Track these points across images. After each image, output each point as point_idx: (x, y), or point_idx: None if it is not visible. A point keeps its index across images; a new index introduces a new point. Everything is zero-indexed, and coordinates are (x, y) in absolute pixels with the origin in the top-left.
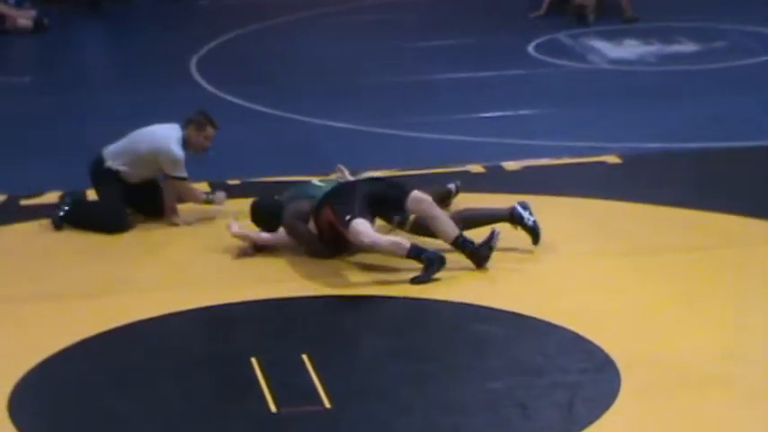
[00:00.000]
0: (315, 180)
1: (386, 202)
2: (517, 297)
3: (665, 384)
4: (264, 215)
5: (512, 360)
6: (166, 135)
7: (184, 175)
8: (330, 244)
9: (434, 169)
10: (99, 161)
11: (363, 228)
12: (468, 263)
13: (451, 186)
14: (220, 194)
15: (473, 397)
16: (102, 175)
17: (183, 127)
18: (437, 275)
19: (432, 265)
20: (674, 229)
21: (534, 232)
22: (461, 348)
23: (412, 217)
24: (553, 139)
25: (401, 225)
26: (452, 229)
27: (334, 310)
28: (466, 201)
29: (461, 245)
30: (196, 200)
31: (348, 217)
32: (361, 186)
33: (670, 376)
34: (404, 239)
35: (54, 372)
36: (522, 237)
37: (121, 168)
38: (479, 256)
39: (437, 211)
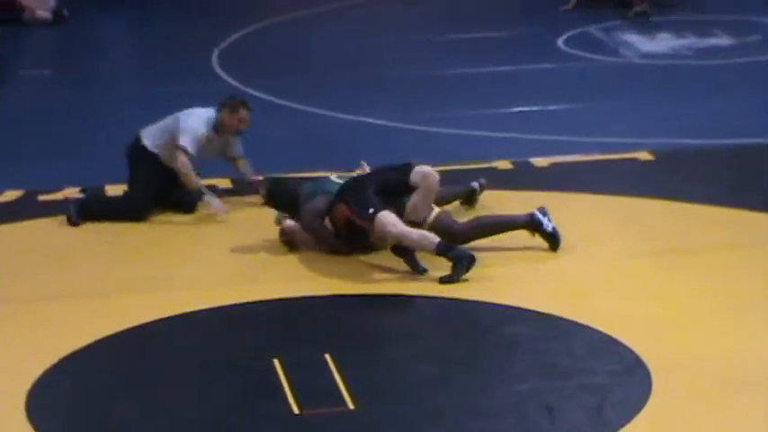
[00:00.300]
0: (333, 176)
1: (391, 183)
2: (546, 297)
3: (698, 388)
4: (284, 196)
5: (540, 362)
6: (196, 113)
7: (188, 148)
8: (347, 240)
9: (460, 165)
10: (136, 140)
11: (390, 219)
12: (497, 261)
13: (475, 185)
14: (216, 202)
15: (500, 400)
16: (136, 155)
17: (218, 110)
18: (466, 275)
19: (460, 263)
20: (708, 228)
21: (553, 239)
22: (488, 349)
23: (431, 217)
24: (583, 135)
25: (418, 228)
26: (419, 214)
27: (359, 310)
28: (492, 198)
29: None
30: (188, 183)
31: (371, 210)
32: (369, 179)
33: (703, 379)
34: (433, 234)
35: (72, 371)
36: None
37: (155, 150)
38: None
39: (431, 194)
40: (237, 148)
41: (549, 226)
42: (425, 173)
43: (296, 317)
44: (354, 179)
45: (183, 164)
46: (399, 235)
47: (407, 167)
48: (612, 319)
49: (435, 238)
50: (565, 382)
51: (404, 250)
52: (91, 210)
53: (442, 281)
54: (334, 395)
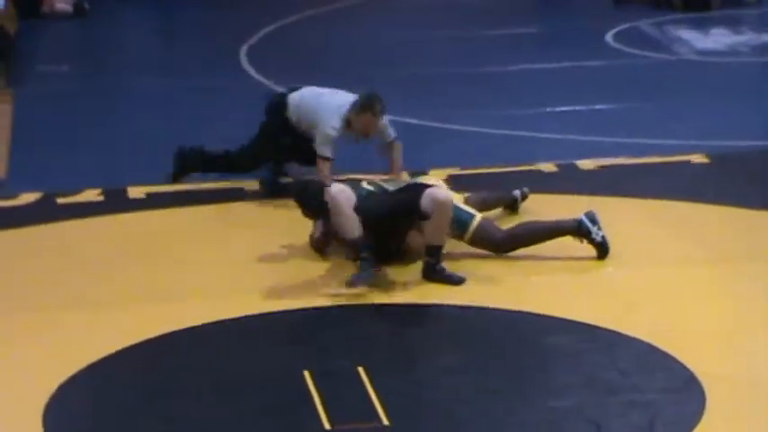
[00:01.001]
0: (364, 183)
1: (400, 207)
2: (591, 308)
3: (756, 406)
4: (314, 199)
5: (584, 376)
6: (338, 105)
7: (326, 154)
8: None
9: (501, 168)
10: (280, 106)
11: (337, 188)
12: (540, 269)
13: (517, 194)
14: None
15: (541, 416)
16: (272, 112)
17: (349, 108)
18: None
19: (363, 269)
20: (766, 235)
21: (603, 248)
22: (529, 362)
23: (472, 227)
24: (633, 137)
25: (459, 236)
26: (438, 239)
27: (393, 320)
28: (536, 202)
29: (429, 253)
30: (324, 180)
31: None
32: (380, 202)
33: (761, 397)
34: (359, 230)
35: (91, 384)
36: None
37: (291, 117)
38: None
39: (446, 216)
40: (387, 132)
41: (598, 235)
42: (436, 199)
43: (327, 327)
44: (366, 199)
45: (321, 171)
46: (333, 205)
47: (418, 189)
48: (663, 332)
49: (357, 232)
50: (611, 398)
51: (434, 273)
52: (191, 161)
53: (347, 283)
54: (367, 410)
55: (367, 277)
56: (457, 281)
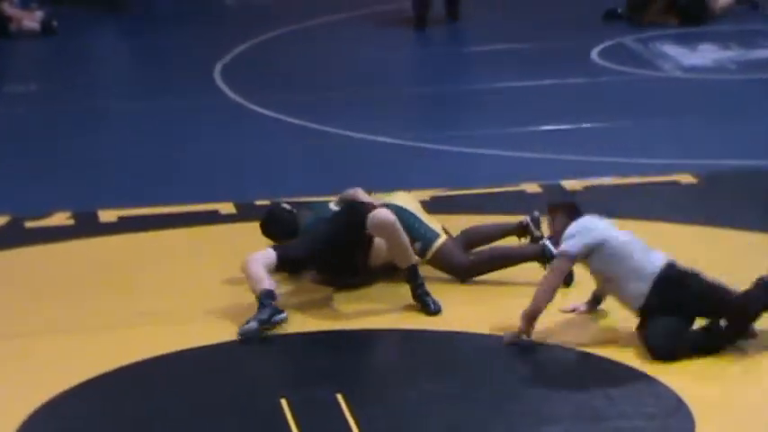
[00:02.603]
0: (332, 204)
1: (344, 231)
2: (577, 332)
3: (745, 430)
4: (280, 225)
5: (570, 403)
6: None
7: None
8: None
9: (485, 189)
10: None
11: (258, 254)
12: (520, 294)
13: (526, 220)
14: None
15: None
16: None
17: None
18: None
19: (260, 313)
20: (757, 257)
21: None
22: (514, 389)
23: (434, 247)
24: (619, 156)
25: (421, 254)
26: (409, 257)
27: (373, 346)
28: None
29: (411, 277)
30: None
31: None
32: (324, 227)
33: (750, 421)
34: (270, 282)
35: (61, 413)
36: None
37: None
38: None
39: (399, 236)
40: None
41: None
42: (379, 223)
43: (304, 354)
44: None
45: None
46: (243, 268)
47: (364, 210)
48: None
49: (265, 285)
50: (598, 426)
51: (414, 297)
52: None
53: (240, 329)
54: None
55: (255, 329)
56: (432, 311)
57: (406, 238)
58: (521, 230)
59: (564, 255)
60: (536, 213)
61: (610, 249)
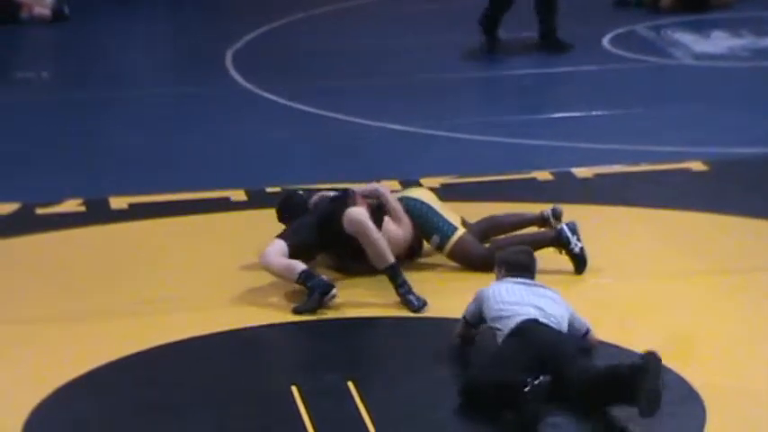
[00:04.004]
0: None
1: (328, 218)
2: (589, 320)
3: (757, 419)
4: (295, 212)
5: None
6: None
7: None
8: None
9: (496, 176)
10: None
11: (269, 249)
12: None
13: (547, 213)
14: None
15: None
16: None
17: None
18: (326, 302)
19: (312, 294)
20: (766, 245)
21: (579, 261)
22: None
23: (452, 241)
24: (630, 143)
25: (439, 248)
26: (385, 259)
27: (383, 333)
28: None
29: (390, 279)
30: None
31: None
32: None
33: (762, 410)
34: (300, 264)
35: (72, 400)
36: (592, 253)
37: None
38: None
39: (370, 236)
40: None
41: (576, 246)
42: (350, 220)
43: (315, 341)
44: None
45: None
46: (266, 265)
47: (344, 204)
48: (662, 345)
49: (298, 268)
50: (609, 414)
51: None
52: None
53: (295, 311)
54: (356, 425)
55: (310, 306)
56: (415, 308)
57: (378, 238)
58: (541, 222)
59: (464, 317)
60: (558, 207)
61: (485, 311)
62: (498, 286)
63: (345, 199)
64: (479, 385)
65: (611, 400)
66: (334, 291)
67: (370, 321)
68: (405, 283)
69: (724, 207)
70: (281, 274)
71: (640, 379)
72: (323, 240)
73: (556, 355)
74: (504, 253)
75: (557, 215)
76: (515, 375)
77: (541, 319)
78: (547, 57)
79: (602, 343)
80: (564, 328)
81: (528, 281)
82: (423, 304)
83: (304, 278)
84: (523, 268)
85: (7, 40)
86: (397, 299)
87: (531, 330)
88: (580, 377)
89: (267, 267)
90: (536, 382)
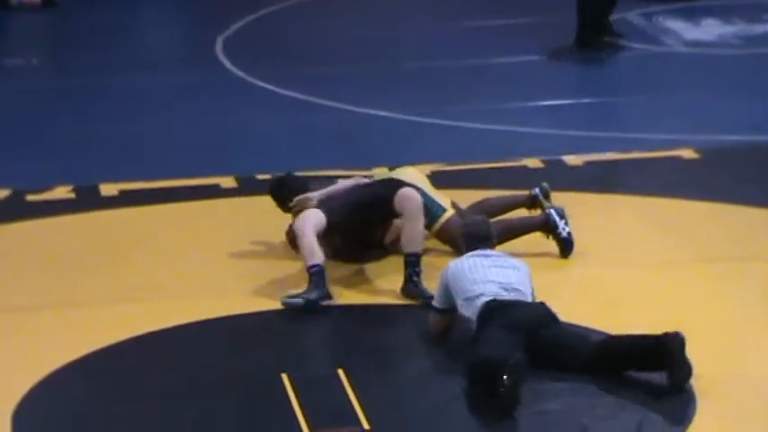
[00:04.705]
0: (340, 179)
1: (374, 201)
2: (577, 307)
3: (747, 407)
4: (292, 190)
5: (571, 378)
6: None
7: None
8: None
9: (486, 164)
10: None
11: (309, 218)
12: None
13: (536, 191)
14: None
15: (529, 420)
16: None
17: None
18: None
19: (308, 292)
20: (759, 233)
21: (566, 245)
22: None
23: (440, 221)
24: (621, 131)
25: (427, 227)
26: (416, 245)
27: (374, 322)
28: None
29: (409, 264)
30: None
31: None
32: (353, 191)
33: (754, 400)
34: (320, 255)
35: (61, 387)
36: (581, 241)
37: None
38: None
39: (417, 220)
40: None
41: (564, 230)
42: (406, 196)
43: (306, 329)
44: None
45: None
46: (298, 231)
47: (395, 184)
48: (649, 332)
49: (316, 259)
50: (599, 401)
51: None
52: None
53: (283, 302)
54: (347, 414)
55: (297, 305)
56: (428, 297)
57: (422, 224)
58: (531, 203)
59: (431, 307)
60: (545, 185)
61: (453, 292)
62: (459, 265)
63: (396, 182)
64: (473, 371)
65: (632, 368)
66: (325, 302)
67: (360, 309)
68: (421, 272)
69: (715, 195)
70: (300, 248)
71: (673, 349)
72: (355, 222)
73: (535, 328)
74: (463, 226)
75: (545, 193)
76: (495, 357)
77: (503, 295)
78: (538, 44)
79: (588, 329)
80: (529, 296)
81: (488, 252)
82: (432, 295)
83: (315, 272)
84: (482, 238)
85: None
86: (390, 287)
87: (499, 311)
88: (584, 344)
89: (298, 233)
90: (511, 362)
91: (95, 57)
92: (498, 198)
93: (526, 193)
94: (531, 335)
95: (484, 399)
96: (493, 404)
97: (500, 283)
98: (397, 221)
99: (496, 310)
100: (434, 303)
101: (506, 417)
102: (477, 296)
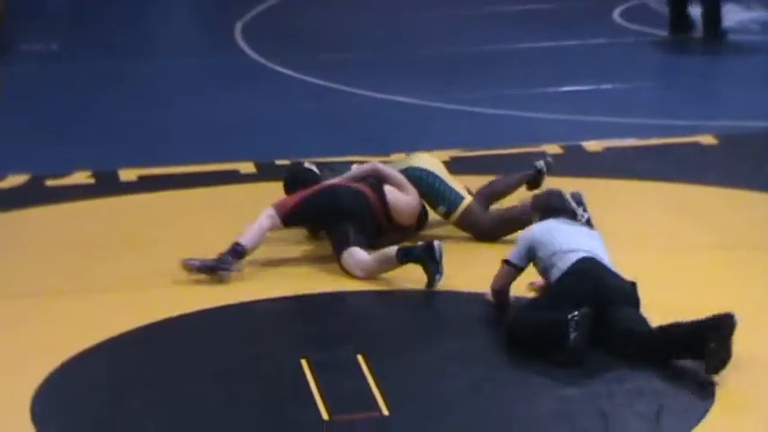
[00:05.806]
0: (355, 166)
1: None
2: None
3: (766, 395)
4: (302, 184)
5: (591, 364)
6: None
7: None
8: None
9: (504, 150)
10: None
11: (356, 259)
12: None
13: (541, 164)
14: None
15: (548, 406)
16: None
17: None
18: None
19: (425, 261)
20: None
21: None
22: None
23: (460, 209)
24: (640, 117)
25: (446, 216)
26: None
27: (394, 307)
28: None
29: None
30: None
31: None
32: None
33: None
34: (390, 250)
35: (81, 372)
36: (600, 227)
37: None
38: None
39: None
40: None
41: (583, 216)
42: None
43: (325, 314)
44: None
45: None
46: (366, 276)
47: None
48: (669, 318)
49: (392, 251)
50: (618, 387)
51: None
52: None
53: (429, 287)
54: (366, 399)
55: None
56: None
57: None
58: (538, 175)
59: (506, 262)
60: (549, 158)
61: (539, 250)
62: (546, 225)
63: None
64: (524, 325)
65: (682, 355)
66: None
67: (379, 295)
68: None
69: (734, 181)
70: (383, 269)
71: (715, 337)
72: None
73: (607, 295)
74: (535, 199)
75: (549, 165)
76: (560, 312)
77: (597, 258)
78: (557, 30)
79: None
80: (612, 267)
81: (569, 221)
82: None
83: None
84: (557, 211)
85: (17, 11)
86: (409, 274)
87: (588, 268)
88: (639, 330)
89: (368, 275)
90: (576, 315)
91: (114, 42)
92: (505, 177)
93: (531, 170)
94: (600, 308)
95: (506, 384)
96: (554, 357)
97: (587, 250)
98: (397, 197)
99: (587, 268)
100: (510, 258)
101: (525, 403)
102: (573, 250)
